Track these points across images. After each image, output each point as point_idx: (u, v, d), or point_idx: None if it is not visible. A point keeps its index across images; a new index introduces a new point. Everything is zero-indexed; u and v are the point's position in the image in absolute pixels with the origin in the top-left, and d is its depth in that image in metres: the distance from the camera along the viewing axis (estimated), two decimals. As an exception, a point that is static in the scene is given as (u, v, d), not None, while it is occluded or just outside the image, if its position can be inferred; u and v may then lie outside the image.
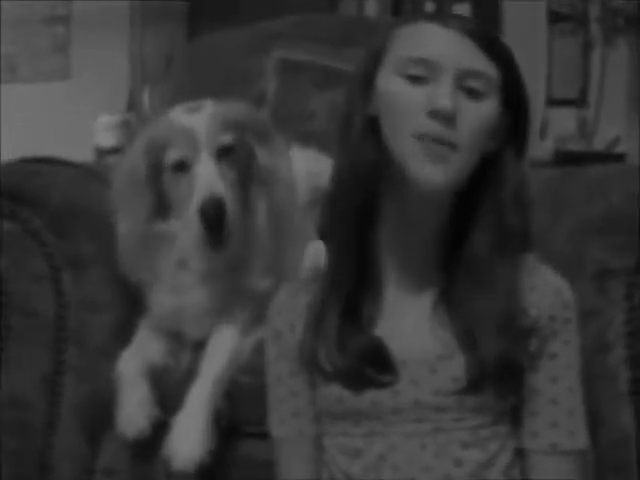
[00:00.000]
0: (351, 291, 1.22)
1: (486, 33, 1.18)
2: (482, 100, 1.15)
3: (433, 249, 1.22)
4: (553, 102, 4.26)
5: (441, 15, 1.22)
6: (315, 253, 1.59)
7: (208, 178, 1.42)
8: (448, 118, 1.11)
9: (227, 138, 1.47)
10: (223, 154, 1.46)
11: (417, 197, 1.16)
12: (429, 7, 4.28)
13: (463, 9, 4.23)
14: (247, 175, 1.50)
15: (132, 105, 4.11)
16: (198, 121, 1.47)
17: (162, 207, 1.51)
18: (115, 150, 3.67)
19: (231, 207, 1.42)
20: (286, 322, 1.28)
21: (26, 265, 1.57)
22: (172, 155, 1.46)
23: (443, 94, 1.11)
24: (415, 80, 1.14)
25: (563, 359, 1.19)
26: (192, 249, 1.48)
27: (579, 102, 4.21)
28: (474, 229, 1.20)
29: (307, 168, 1.62)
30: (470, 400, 1.16)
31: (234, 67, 2.15)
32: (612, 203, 1.47)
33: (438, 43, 1.15)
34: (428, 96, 1.12)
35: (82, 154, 3.88)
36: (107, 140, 3.86)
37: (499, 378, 1.15)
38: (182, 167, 1.45)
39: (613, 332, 1.43)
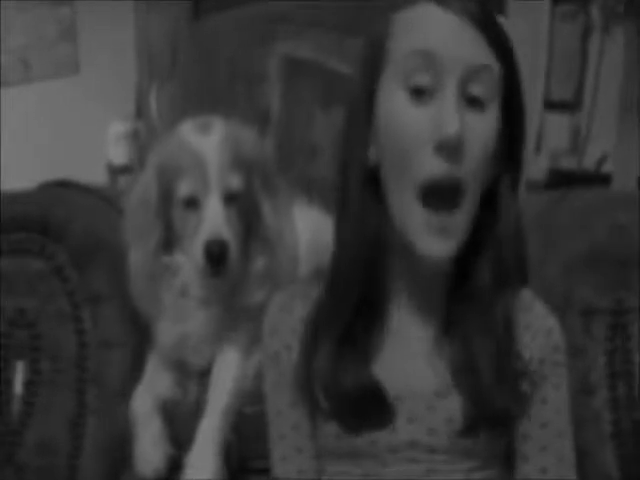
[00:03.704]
0: (352, 318, 1.19)
1: (488, 17, 1.13)
2: (485, 110, 1.12)
3: (440, 278, 1.21)
4: (550, 104, 4.26)
5: None
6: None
7: (215, 222, 1.46)
8: (454, 147, 1.08)
9: (235, 182, 1.50)
10: (230, 200, 1.49)
11: (423, 264, 1.16)
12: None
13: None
14: (250, 230, 1.54)
15: (140, 104, 4.12)
16: (209, 147, 1.49)
17: (168, 240, 1.55)
18: (126, 168, 3.72)
19: (234, 248, 1.47)
20: (282, 343, 1.24)
21: (51, 305, 1.58)
22: (183, 190, 1.49)
23: (448, 112, 1.08)
24: (419, 95, 1.11)
25: (553, 404, 1.20)
26: (193, 277, 1.53)
27: (574, 104, 4.22)
28: (475, 261, 1.19)
29: (310, 236, 1.63)
30: (462, 442, 1.16)
31: (239, 63, 2.14)
32: (596, 239, 1.48)
33: (440, 35, 1.11)
34: (433, 118, 1.09)
35: (94, 156, 3.97)
36: (118, 156, 3.91)
37: (493, 423, 1.16)
38: (192, 203, 1.49)
39: (596, 374, 1.45)
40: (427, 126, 1.09)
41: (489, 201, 1.19)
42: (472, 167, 1.11)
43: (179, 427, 1.56)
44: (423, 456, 1.18)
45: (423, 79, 1.11)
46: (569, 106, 4.26)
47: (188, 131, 1.53)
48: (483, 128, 1.12)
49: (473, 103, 1.11)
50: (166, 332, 1.58)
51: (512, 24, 1.27)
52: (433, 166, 1.09)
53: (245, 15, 2.26)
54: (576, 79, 4.27)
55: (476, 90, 1.11)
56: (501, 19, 1.17)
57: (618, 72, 3.88)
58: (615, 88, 3.91)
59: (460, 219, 1.12)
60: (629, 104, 3.71)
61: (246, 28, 2.19)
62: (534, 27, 4.24)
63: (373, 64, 1.17)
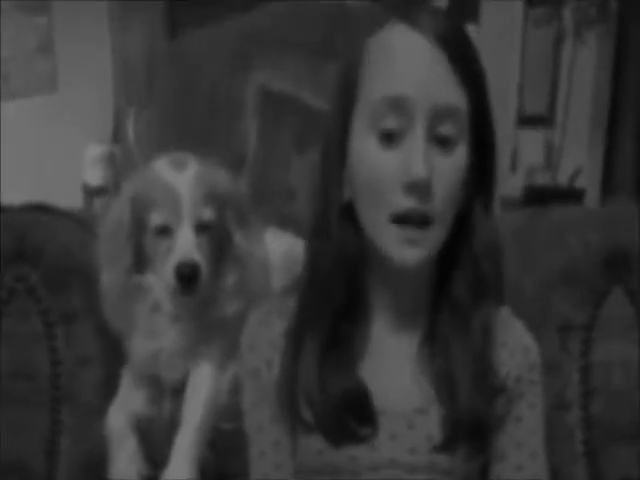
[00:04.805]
0: (336, 322, 1.20)
1: (458, 38, 1.14)
2: (454, 150, 1.13)
3: (421, 292, 1.23)
4: (523, 119, 4.28)
5: (412, 14, 1.15)
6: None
7: (187, 247, 1.48)
8: (423, 188, 1.10)
9: (207, 214, 1.51)
10: (202, 230, 1.50)
11: (399, 270, 1.17)
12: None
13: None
14: (222, 252, 1.55)
15: (118, 129, 4.15)
16: (182, 183, 1.50)
17: (140, 262, 1.55)
18: (102, 190, 3.76)
19: (204, 269, 1.48)
20: (262, 358, 1.24)
21: (24, 324, 1.59)
22: (155, 219, 1.50)
23: (417, 155, 1.10)
24: (389, 139, 1.12)
25: (528, 423, 1.22)
26: (164, 295, 1.54)
27: (547, 118, 4.23)
28: (453, 276, 1.21)
29: (283, 249, 1.65)
30: (442, 460, 1.16)
31: (216, 89, 2.14)
32: (571, 255, 1.51)
33: (409, 73, 1.11)
34: (402, 162, 1.11)
35: (71, 176, 3.98)
36: (94, 178, 3.99)
37: (470, 437, 1.17)
38: (165, 231, 1.50)
39: (571, 390, 1.47)
40: (396, 170, 1.11)
41: (465, 219, 1.20)
42: (441, 203, 1.13)
43: (154, 443, 1.55)
44: (403, 475, 1.17)
45: (392, 123, 1.12)
46: (543, 121, 4.28)
47: (163, 167, 1.54)
48: (452, 167, 1.14)
49: (442, 143, 1.13)
50: (139, 348, 1.57)
51: (485, 30, 1.26)
52: (404, 204, 1.12)
53: (221, 36, 2.25)
54: (549, 91, 4.30)
55: (445, 130, 1.12)
56: (473, 28, 1.18)
57: (590, 82, 3.90)
58: (587, 99, 3.94)
59: (431, 233, 1.14)
60: (600, 116, 3.74)
61: (223, 52, 2.19)
62: (507, 33, 4.26)
63: (346, 100, 1.18)
